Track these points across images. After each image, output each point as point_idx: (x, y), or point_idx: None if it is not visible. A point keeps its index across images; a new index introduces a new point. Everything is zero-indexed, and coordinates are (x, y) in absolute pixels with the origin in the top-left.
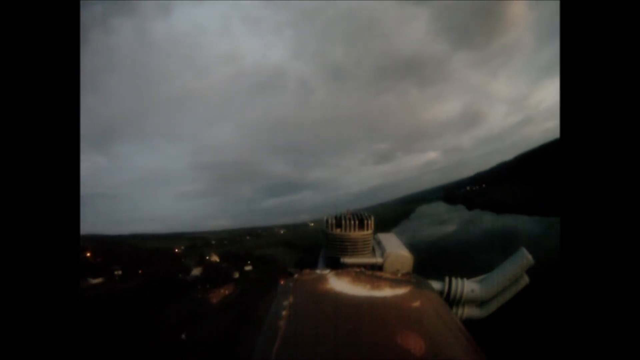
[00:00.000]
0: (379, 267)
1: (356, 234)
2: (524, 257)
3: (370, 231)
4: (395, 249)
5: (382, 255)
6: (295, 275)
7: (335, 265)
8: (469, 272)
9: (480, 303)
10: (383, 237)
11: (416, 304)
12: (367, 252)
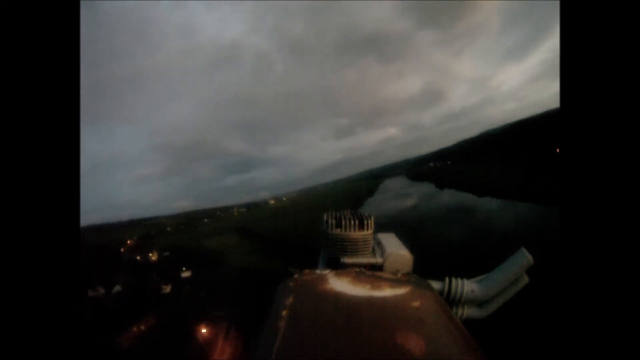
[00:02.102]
0: (379, 267)
1: (356, 234)
2: (524, 257)
3: (370, 231)
4: (395, 249)
5: (382, 255)
6: (295, 275)
7: (335, 265)
8: (468, 272)
9: (480, 303)
10: (383, 237)
11: (416, 304)
12: (367, 252)
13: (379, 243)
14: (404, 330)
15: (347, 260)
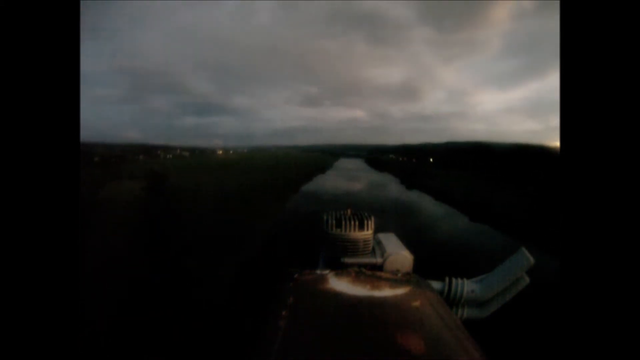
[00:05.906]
0: (379, 267)
1: (356, 234)
2: (524, 258)
3: (370, 231)
4: (396, 249)
5: (382, 255)
6: (295, 275)
7: (335, 265)
8: (468, 271)
9: (480, 303)
10: (383, 237)
11: (416, 304)
12: (368, 253)
13: (379, 243)
14: (404, 330)
15: (347, 260)
